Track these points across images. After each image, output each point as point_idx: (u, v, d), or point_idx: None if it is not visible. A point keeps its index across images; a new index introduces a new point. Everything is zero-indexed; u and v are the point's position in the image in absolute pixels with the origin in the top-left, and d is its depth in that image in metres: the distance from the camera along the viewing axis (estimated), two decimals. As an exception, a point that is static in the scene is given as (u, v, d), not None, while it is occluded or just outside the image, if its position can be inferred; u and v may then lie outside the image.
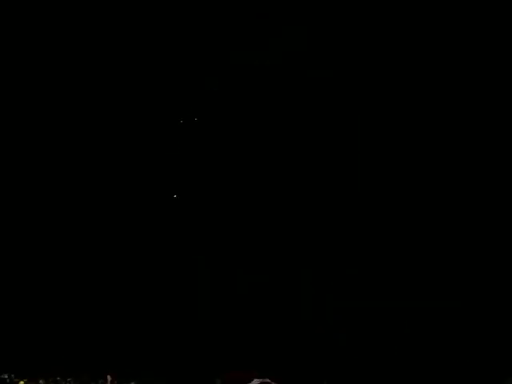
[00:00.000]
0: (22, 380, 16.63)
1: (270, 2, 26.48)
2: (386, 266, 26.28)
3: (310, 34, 26.31)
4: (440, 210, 26.24)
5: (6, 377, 17.34)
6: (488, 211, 25.07)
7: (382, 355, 24.38)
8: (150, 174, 28.47)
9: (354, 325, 25.97)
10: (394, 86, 26.72)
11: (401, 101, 26.95)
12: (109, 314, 27.02)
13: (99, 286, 27.42)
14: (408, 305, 25.34)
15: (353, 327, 25.95)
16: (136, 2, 26.25)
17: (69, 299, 26.90)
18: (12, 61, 26.08)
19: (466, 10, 25.24)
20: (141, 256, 27.42)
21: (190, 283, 27.92)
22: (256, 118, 28.29)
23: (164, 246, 28.22)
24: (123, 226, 27.78)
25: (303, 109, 28.17)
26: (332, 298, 26.43)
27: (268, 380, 6.39)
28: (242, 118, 28.25)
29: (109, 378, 11.97)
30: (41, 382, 17.23)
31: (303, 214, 28.23)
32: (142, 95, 28.31)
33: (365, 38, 26.41)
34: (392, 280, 25.81)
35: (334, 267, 26.53)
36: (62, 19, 26.03)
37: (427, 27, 26.07)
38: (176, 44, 27.64)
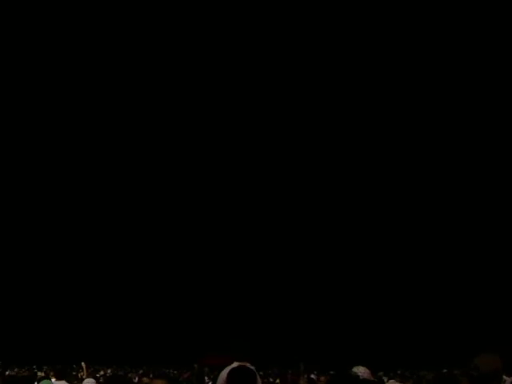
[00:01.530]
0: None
1: None
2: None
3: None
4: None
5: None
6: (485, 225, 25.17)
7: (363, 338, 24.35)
8: (149, 175, 28.23)
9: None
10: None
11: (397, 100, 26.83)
12: (84, 303, 26.68)
13: (80, 277, 27.01)
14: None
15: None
16: (137, 4, 25.88)
17: (47, 292, 26.49)
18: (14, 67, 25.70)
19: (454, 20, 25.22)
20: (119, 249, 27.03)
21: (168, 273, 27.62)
22: (256, 122, 28.18)
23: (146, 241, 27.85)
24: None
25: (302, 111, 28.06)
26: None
27: (248, 364, 6.08)
28: (243, 122, 28.13)
29: (84, 365, 11.68)
30: (15, 369, 16.83)
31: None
32: (142, 97, 27.88)
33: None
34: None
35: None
36: (66, 21, 25.62)
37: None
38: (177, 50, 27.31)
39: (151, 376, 8.58)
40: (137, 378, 12.91)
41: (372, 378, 6.77)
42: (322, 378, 12.84)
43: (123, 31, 25.65)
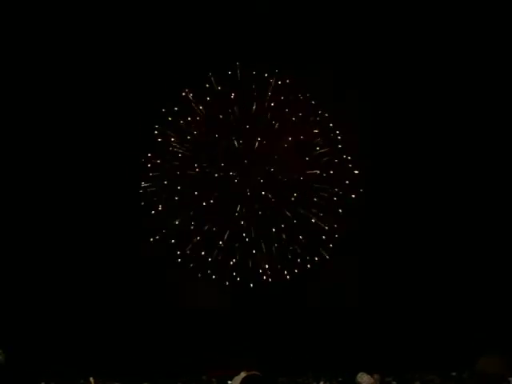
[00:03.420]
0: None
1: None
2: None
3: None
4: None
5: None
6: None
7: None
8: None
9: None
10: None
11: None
12: (91, 316, 26.67)
13: (86, 289, 27.03)
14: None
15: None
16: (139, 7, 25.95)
17: (54, 305, 26.50)
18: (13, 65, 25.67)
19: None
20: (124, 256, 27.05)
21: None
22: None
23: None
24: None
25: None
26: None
27: (256, 373, 6.11)
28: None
29: (92, 380, 11.67)
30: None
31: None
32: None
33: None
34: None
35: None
36: (79, 23, 25.64)
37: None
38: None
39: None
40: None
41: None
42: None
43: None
